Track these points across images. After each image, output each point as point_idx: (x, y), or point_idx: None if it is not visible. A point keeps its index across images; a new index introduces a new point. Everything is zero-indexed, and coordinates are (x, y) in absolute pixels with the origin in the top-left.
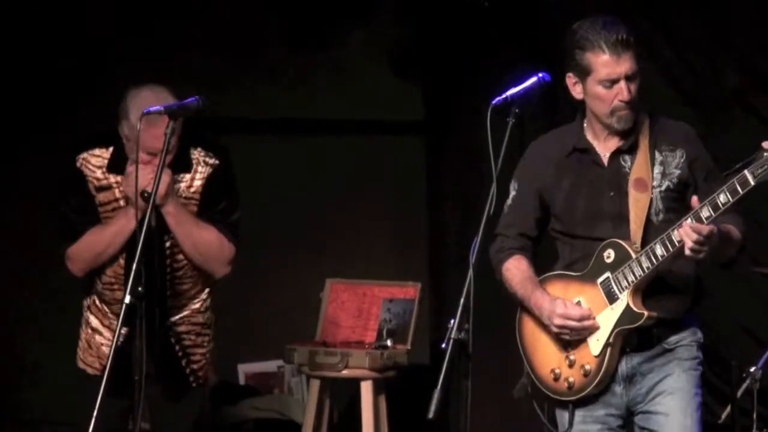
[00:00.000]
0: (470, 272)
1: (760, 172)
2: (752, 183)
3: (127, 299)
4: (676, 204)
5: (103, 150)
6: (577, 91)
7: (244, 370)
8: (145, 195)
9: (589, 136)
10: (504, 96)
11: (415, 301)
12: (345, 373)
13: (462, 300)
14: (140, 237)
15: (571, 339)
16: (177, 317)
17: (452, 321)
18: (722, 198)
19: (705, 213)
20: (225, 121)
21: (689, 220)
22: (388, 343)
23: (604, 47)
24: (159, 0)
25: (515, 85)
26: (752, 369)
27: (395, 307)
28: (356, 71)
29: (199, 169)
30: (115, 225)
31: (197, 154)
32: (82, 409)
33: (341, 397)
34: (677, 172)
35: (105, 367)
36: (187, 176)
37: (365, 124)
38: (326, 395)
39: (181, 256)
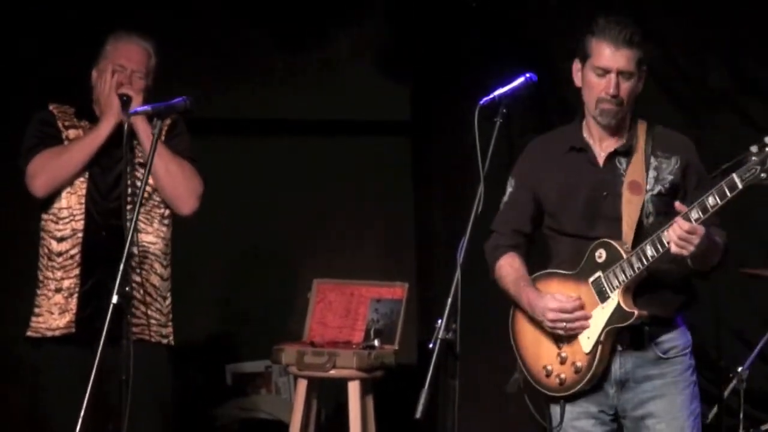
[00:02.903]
0: (457, 272)
1: (747, 176)
2: (740, 186)
3: (115, 299)
4: (666, 208)
5: (71, 107)
6: (578, 78)
7: (232, 370)
8: (125, 99)
9: (586, 135)
10: (492, 96)
11: (402, 301)
12: (332, 373)
13: (449, 300)
14: (127, 238)
15: (565, 334)
16: (136, 264)
17: (439, 321)
18: (711, 201)
19: (694, 215)
20: (210, 121)
21: (679, 220)
22: (376, 343)
23: (608, 36)
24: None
25: (503, 85)
26: (739, 369)
27: (383, 307)
28: (343, 72)
29: (159, 123)
30: (84, 138)
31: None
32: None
33: (328, 398)
34: (670, 177)
35: (77, 320)
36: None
37: (352, 125)
38: (313, 395)
39: (144, 193)
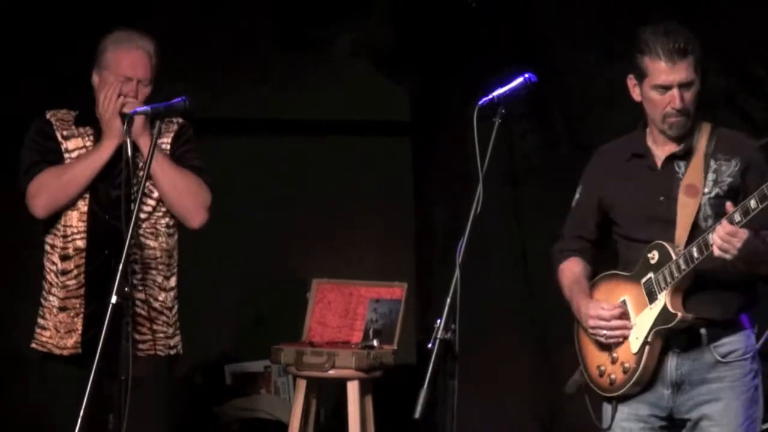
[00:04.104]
0: (456, 272)
1: None
2: None
3: (114, 299)
4: (724, 210)
5: (70, 112)
6: (636, 93)
7: (231, 370)
8: (126, 118)
9: (649, 142)
10: (490, 96)
11: (401, 301)
12: (331, 373)
13: (448, 300)
14: (127, 235)
15: (605, 342)
16: (137, 280)
17: (438, 321)
18: (752, 203)
19: (737, 217)
20: (211, 121)
21: (723, 222)
22: (375, 343)
23: (660, 53)
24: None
25: (502, 86)
26: None
27: (382, 307)
28: (343, 72)
29: (164, 127)
30: (85, 159)
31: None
32: (54, 395)
33: (328, 397)
34: (729, 179)
35: (83, 341)
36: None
37: (352, 125)
38: (313, 395)
39: (146, 206)
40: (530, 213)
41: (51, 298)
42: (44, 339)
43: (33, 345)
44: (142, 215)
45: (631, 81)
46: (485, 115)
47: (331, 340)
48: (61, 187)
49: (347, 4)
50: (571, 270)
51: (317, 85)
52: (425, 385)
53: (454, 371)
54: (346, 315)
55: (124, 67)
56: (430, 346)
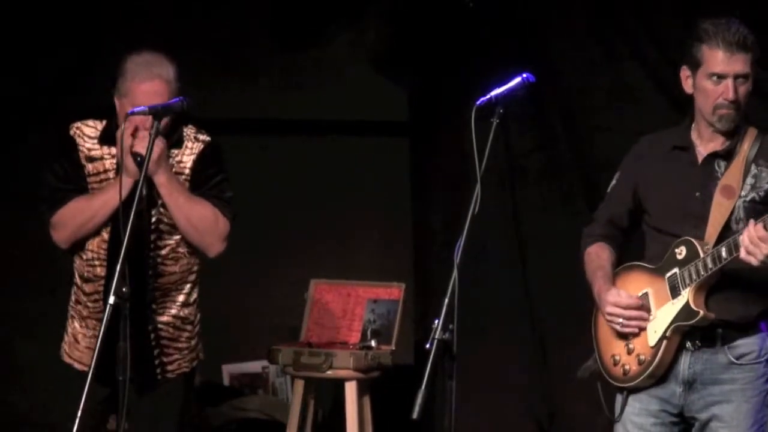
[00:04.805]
0: (454, 272)
1: None
2: None
3: (111, 299)
4: (757, 216)
5: (97, 122)
6: (688, 85)
7: (229, 370)
8: (138, 159)
9: (694, 136)
10: (488, 96)
11: (399, 302)
12: (329, 373)
13: (446, 300)
14: (124, 237)
15: (620, 330)
16: (158, 305)
17: (436, 321)
18: None
19: None
20: (208, 121)
21: (756, 225)
22: (373, 343)
23: (720, 42)
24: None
25: (500, 86)
26: None
27: (380, 307)
28: (342, 72)
29: (190, 145)
30: (103, 195)
31: (188, 131)
32: (68, 405)
33: (326, 398)
34: (767, 186)
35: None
36: (178, 152)
37: (350, 125)
38: (310, 396)
39: (165, 235)
40: (529, 213)
41: (76, 308)
42: (69, 349)
43: (61, 352)
44: (161, 243)
45: (684, 72)
46: (483, 115)
47: (329, 341)
48: (80, 225)
49: (346, 4)
50: (597, 254)
51: (316, 85)
52: (423, 386)
53: (452, 371)
54: (344, 315)
55: (141, 99)
56: (428, 346)
